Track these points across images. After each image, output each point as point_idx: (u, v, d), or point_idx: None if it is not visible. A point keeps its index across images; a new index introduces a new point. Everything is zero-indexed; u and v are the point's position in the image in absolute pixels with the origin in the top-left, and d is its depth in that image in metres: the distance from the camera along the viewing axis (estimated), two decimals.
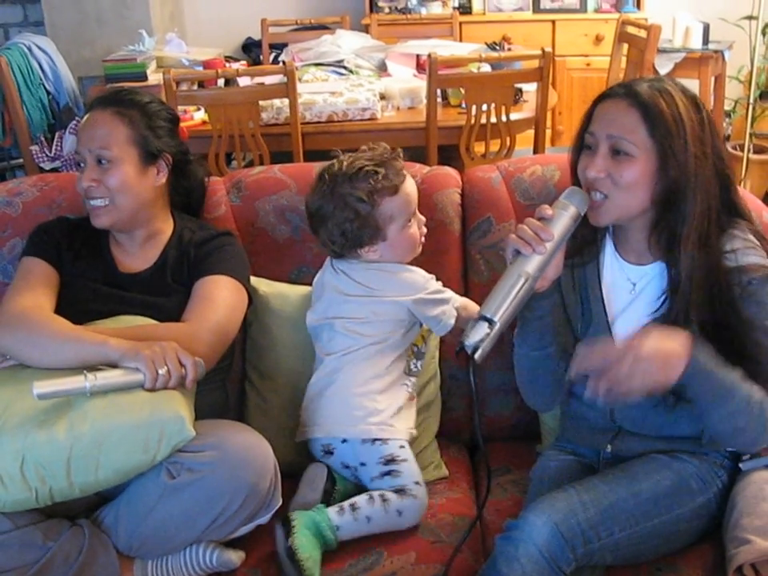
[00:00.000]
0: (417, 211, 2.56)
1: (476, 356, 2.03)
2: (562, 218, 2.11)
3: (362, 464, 2.46)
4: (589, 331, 2.33)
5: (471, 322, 2.05)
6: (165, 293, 2.58)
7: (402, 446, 2.47)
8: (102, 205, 2.55)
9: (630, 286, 2.30)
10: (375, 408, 2.47)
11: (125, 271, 2.64)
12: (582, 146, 2.24)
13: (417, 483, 2.43)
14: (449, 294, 2.55)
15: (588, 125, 2.22)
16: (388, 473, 2.43)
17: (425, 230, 2.58)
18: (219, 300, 2.52)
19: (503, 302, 2.03)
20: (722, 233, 2.17)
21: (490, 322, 2.02)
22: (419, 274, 2.54)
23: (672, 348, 1.99)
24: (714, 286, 2.13)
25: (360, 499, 2.37)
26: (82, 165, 2.58)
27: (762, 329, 2.13)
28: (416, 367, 2.60)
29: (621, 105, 2.16)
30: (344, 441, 2.48)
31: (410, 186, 2.53)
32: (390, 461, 2.43)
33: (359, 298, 2.52)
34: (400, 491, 2.40)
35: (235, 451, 2.21)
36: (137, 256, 2.66)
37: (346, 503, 2.36)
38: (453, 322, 2.48)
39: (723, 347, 2.09)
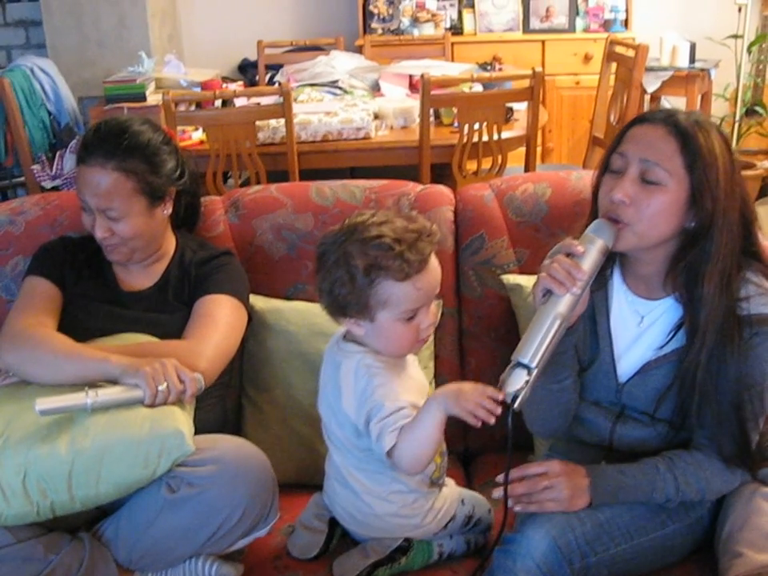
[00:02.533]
0: (429, 307, 2.14)
1: (516, 405, 1.94)
2: (591, 254, 2.01)
3: (448, 536, 2.34)
4: (594, 364, 2.27)
5: (507, 369, 1.95)
6: (166, 311, 2.58)
7: (462, 502, 2.36)
8: (115, 247, 2.55)
9: (638, 319, 2.23)
10: (422, 514, 2.26)
11: (127, 289, 2.64)
12: (606, 168, 2.16)
13: (489, 512, 2.41)
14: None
15: (617, 145, 2.13)
16: (473, 526, 2.38)
17: (431, 331, 2.19)
18: (219, 318, 2.51)
19: (540, 347, 1.93)
20: (737, 274, 2.10)
21: (528, 368, 1.93)
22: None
23: (577, 478, 2.08)
24: (725, 333, 2.06)
25: (458, 548, 2.34)
26: (86, 210, 2.53)
27: (751, 387, 2.08)
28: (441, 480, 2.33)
29: (659, 131, 2.06)
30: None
31: (424, 280, 2.08)
32: (468, 520, 2.36)
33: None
34: (487, 530, 2.40)
35: (234, 465, 2.20)
36: (139, 275, 2.65)
37: (445, 552, 2.31)
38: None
39: (708, 407, 2.10)
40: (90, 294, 2.60)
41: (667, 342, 2.18)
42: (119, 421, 2.17)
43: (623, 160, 2.10)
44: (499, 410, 1.93)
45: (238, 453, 2.26)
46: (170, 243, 2.71)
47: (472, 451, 2.85)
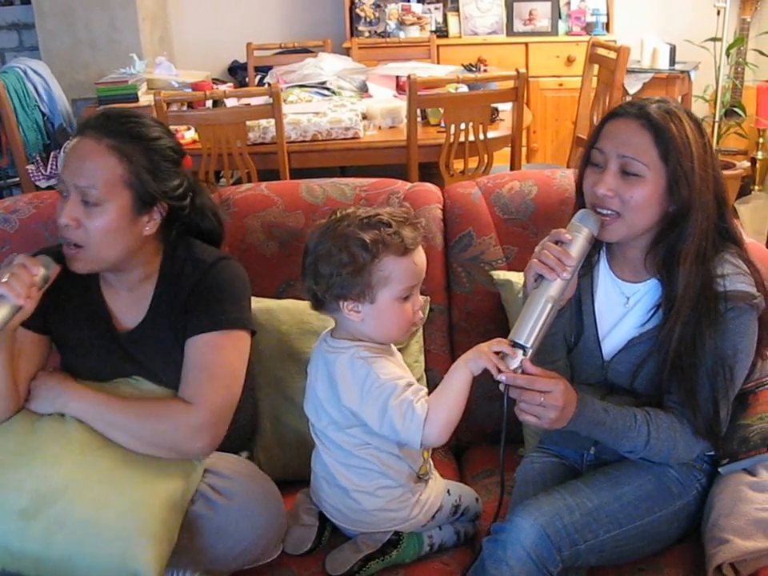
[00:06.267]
0: (418, 291, 2.18)
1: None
2: (578, 241, 2.08)
3: (437, 527, 2.34)
4: (580, 343, 2.32)
5: (503, 351, 2.01)
6: (162, 344, 2.33)
7: (448, 492, 2.36)
8: (75, 250, 2.19)
9: (624, 300, 2.29)
10: (410, 507, 2.26)
11: (121, 329, 2.36)
12: (587, 162, 2.22)
13: (477, 500, 2.43)
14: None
15: (595, 140, 2.20)
16: (461, 515, 2.39)
17: (421, 314, 2.23)
18: (222, 369, 2.26)
19: (534, 328, 2.00)
20: (715, 255, 2.17)
21: (524, 348, 1.99)
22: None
23: (568, 408, 2.06)
24: (701, 307, 2.13)
25: (448, 539, 2.34)
26: (65, 195, 2.19)
27: (723, 360, 2.14)
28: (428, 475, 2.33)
29: (633, 125, 2.13)
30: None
31: (419, 258, 2.15)
32: (456, 509, 2.36)
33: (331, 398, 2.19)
34: (475, 519, 2.42)
35: (247, 503, 2.19)
36: (129, 302, 2.36)
37: (435, 543, 2.31)
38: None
39: (683, 373, 2.15)
40: (83, 333, 2.36)
41: (649, 319, 2.24)
42: (99, 523, 2.04)
43: (602, 156, 2.16)
44: (517, 355, 2.00)
45: (253, 491, 2.23)
46: (156, 260, 2.36)
47: (463, 444, 2.86)
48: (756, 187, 6.60)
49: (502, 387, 2.02)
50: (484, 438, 2.83)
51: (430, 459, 2.32)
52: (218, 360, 2.26)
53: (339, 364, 2.15)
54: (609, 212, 2.13)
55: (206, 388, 2.22)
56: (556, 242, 2.09)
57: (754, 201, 6.41)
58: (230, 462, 2.26)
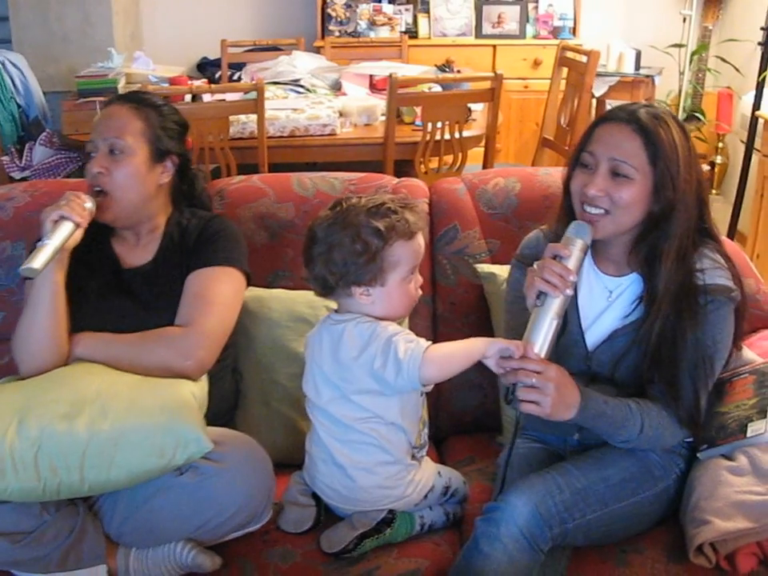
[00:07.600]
0: (417, 270, 2.29)
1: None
2: (575, 254, 2.15)
3: (428, 508, 2.39)
4: (563, 335, 2.32)
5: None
6: (167, 284, 2.54)
7: (439, 474, 2.42)
8: (102, 198, 2.49)
9: (608, 293, 2.35)
10: (404, 485, 2.32)
11: (127, 266, 2.61)
12: (576, 164, 2.28)
13: (464, 484, 2.49)
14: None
15: (586, 144, 2.26)
16: (451, 496, 2.44)
17: (420, 292, 2.33)
18: (215, 297, 2.49)
19: (543, 345, 2.07)
20: (694, 251, 2.25)
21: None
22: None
23: (567, 392, 2.11)
24: (682, 301, 2.21)
25: (438, 520, 2.39)
26: (93, 154, 2.53)
27: (703, 351, 2.22)
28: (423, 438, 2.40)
29: (624, 130, 2.19)
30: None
31: (421, 240, 2.28)
32: (446, 490, 2.42)
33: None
34: (463, 501, 2.47)
35: (236, 467, 2.22)
36: (139, 250, 2.63)
37: (426, 523, 2.37)
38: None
39: (664, 365, 2.23)
40: (93, 278, 2.56)
41: (632, 311, 2.31)
42: (139, 408, 2.19)
43: (593, 158, 2.23)
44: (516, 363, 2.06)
45: (242, 455, 2.27)
46: (164, 215, 2.67)
47: (442, 433, 2.90)
48: (714, 191, 6.72)
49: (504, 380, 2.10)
50: (462, 427, 2.89)
51: (425, 435, 2.38)
52: (212, 290, 2.51)
53: (347, 330, 2.23)
54: (598, 210, 2.20)
55: (199, 313, 2.46)
56: (554, 257, 2.14)
57: (713, 204, 6.43)
58: (213, 431, 2.29)
